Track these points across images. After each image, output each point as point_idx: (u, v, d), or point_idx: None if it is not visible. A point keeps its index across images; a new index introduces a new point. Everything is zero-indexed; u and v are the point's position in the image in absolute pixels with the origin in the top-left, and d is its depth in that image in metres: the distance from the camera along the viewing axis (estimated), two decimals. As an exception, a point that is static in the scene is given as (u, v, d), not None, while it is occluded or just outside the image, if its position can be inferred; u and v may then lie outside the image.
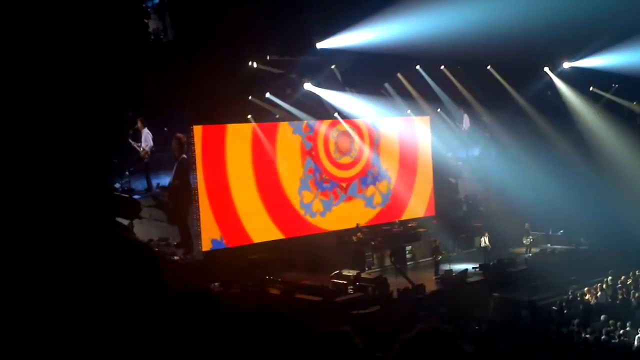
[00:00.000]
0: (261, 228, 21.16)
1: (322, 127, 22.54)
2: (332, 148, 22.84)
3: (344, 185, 23.11)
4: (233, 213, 20.64)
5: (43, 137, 15.53)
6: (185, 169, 19.51)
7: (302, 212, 22.09)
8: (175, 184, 19.50)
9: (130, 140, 18.63)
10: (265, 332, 2.20)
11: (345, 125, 22.93)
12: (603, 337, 14.70)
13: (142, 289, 1.93)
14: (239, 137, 20.98)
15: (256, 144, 21.15)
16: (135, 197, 19.24)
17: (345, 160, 23.20)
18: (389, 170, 24.19)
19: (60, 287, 1.90)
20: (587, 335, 14.86)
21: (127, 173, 19.13)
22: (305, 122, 22.10)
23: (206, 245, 19.92)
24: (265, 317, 2.26)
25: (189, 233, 19.51)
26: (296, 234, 21.66)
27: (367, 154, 23.54)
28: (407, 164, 24.72)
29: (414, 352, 2.19)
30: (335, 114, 22.64)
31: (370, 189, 23.73)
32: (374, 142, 23.83)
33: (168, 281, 2.12)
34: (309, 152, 22.32)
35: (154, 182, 19.97)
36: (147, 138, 19.05)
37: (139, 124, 18.92)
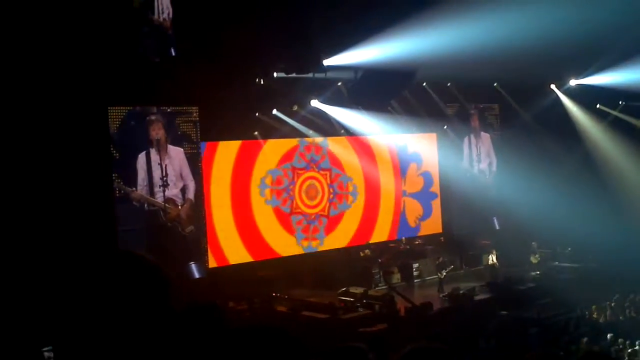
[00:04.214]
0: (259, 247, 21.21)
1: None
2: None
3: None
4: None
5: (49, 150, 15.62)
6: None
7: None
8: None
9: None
10: (269, 348, 2.18)
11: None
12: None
13: (151, 310, 1.91)
14: (243, 153, 21.15)
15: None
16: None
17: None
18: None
19: (69, 301, 1.88)
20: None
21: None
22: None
23: (212, 262, 19.91)
24: (269, 332, 2.24)
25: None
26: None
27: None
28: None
29: None
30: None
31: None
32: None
33: (174, 297, 2.10)
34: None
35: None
36: None
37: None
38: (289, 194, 22.08)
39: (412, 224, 24.91)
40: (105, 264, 1.91)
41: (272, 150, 21.70)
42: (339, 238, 23.02)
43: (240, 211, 20.85)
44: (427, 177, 25.34)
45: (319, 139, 22.53)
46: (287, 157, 22.08)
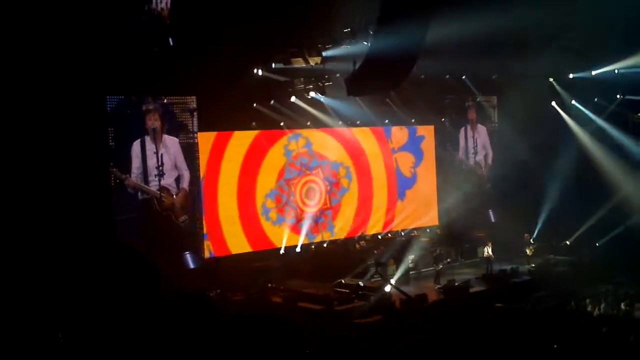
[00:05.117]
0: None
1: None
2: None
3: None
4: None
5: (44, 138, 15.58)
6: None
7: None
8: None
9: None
10: (265, 337, 2.18)
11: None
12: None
13: (140, 299, 1.92)
14: (241, 144, 21.12)
15: (252, 153, 21.40)
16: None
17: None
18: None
19: (60, 290, 1.89)
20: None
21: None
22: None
23: (208, 252, 19.94)
24: (266, 322, 2.24)
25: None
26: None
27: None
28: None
29: None
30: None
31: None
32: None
33: (170, 288, 2.10)
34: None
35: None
36: None
37: None
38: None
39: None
40: (94, 255, 1.93)
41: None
42: (348, 222, 23.37)
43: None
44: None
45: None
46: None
